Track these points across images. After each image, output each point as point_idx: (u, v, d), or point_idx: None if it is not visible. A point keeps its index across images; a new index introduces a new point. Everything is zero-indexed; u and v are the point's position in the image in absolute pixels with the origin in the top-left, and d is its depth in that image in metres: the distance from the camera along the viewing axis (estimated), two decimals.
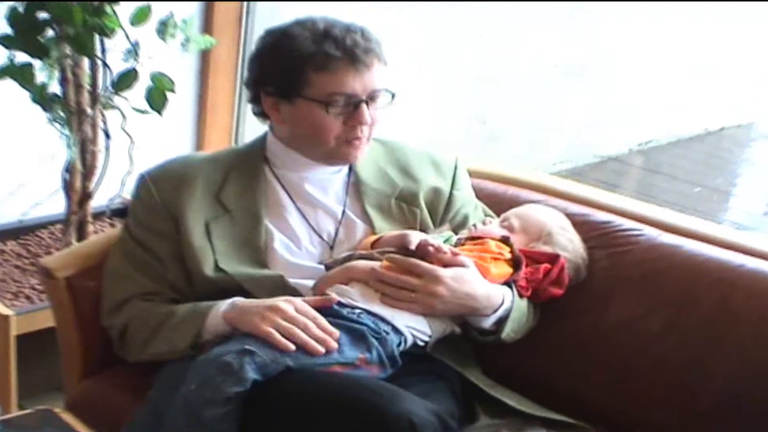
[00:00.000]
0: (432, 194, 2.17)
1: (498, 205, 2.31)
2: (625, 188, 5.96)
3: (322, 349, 1.77)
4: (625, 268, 2.15)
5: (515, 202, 2.28)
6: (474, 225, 2.14)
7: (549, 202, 2.30)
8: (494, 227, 2.13)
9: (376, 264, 1.95)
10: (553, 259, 2.07)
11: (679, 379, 2.02)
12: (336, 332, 1.80)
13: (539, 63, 5.59)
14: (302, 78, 1.94)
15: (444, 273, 1.92)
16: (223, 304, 1.87)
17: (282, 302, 1.82)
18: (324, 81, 1.93)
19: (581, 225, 2.23)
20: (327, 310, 1.85)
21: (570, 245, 2.12)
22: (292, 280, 1.98)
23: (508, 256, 2.03)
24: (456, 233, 2.11)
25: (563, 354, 2.13)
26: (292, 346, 1.75)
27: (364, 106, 1.96)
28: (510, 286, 2.02)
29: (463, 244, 2.06)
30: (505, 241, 2.06)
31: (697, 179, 6.30)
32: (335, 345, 1.78)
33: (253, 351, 1.70)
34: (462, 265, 1.95)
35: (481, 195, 2.35)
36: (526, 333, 2.08)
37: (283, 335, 1.76)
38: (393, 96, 1.99)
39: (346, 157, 2.04)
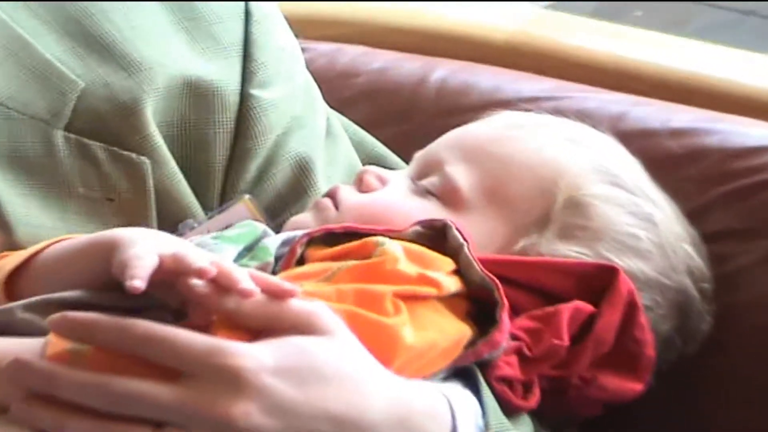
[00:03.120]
0: (186, 104, 1.10)
1: (401, 120, 1.27)
2: None
3: None
4: None
5: (460, 108, 1.23)
6: (330, 195, 1.07)
7: (558, 105, 1.20)
8: (394, 194, 1.06)
9: (30, 346, 0.93)
10: (595, 280, 0.98)
11: None
12: None
13: None
14: None
15: (256, 360, 0.86)
16: None
17: None
18: None
19: (684, 161, 1.21)
20: None
21: (645, 232, 1.04)
22: None
23: (452, 286, 0.94)
24: (280, 224, 1.07)
25: None
26: None
27: None
28: (474, 381, 0.94)
29: (302, 260, 0.97)
30: (431, 236, 0.97)
31: None
32: None
33: None
34: (305, 326, 0.87)
35: (345, 94, 1.28)
36: None
37: None
38: None
39: None
